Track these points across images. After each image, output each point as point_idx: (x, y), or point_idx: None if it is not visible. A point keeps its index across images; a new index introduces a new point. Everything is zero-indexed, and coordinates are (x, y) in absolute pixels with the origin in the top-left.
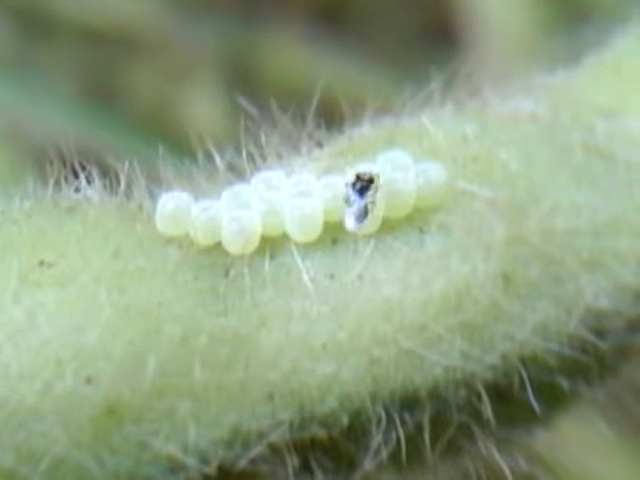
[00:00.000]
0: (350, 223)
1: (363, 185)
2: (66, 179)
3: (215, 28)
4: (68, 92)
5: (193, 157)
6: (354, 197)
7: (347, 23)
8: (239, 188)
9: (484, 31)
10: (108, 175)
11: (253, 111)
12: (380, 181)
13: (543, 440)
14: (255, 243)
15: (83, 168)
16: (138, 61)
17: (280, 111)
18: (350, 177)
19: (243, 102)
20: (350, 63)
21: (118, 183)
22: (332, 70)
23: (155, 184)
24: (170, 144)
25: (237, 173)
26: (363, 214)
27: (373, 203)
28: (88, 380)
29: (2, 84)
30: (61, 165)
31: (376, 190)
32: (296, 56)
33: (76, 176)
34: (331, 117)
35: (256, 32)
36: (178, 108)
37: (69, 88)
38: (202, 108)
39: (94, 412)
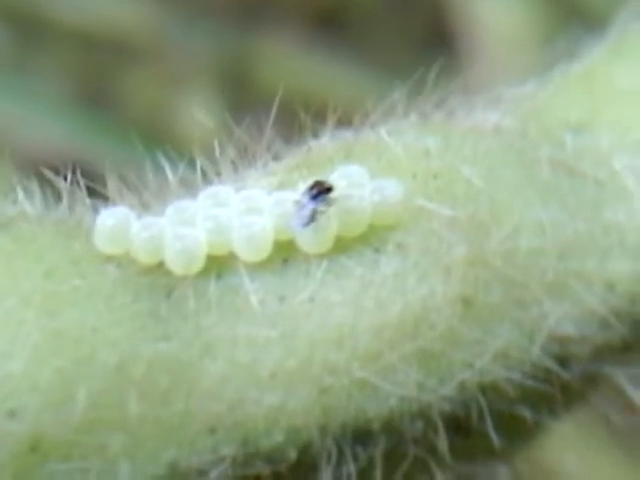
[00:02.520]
0: (293, 225)
1: (320, 191)
2: (3, 193)
3: (211, 34)
4: (62, 97)
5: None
6: (305, 200)
7: (343, 29)
8: (185, 204)
9: (480, 36)
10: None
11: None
12: (334, 196)
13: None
14: (200, 263)
15: (25, 180)
16: (133, 67)
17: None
18: (308, 183)
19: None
20: (346, 69)
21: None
22: (327, 76)
23: (102, 198)
24: (163, 150)
25: (189, 189)
26: (309, 219)
27: (322, 213)
28: (11, 413)
29: None
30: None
31: (329, 202)
32: (292, 62)
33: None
34: (291, 127)
35: (252, 39)
36: (172, 114)
37: (63, 93)
38: (196, 115)
39: (16, 448)
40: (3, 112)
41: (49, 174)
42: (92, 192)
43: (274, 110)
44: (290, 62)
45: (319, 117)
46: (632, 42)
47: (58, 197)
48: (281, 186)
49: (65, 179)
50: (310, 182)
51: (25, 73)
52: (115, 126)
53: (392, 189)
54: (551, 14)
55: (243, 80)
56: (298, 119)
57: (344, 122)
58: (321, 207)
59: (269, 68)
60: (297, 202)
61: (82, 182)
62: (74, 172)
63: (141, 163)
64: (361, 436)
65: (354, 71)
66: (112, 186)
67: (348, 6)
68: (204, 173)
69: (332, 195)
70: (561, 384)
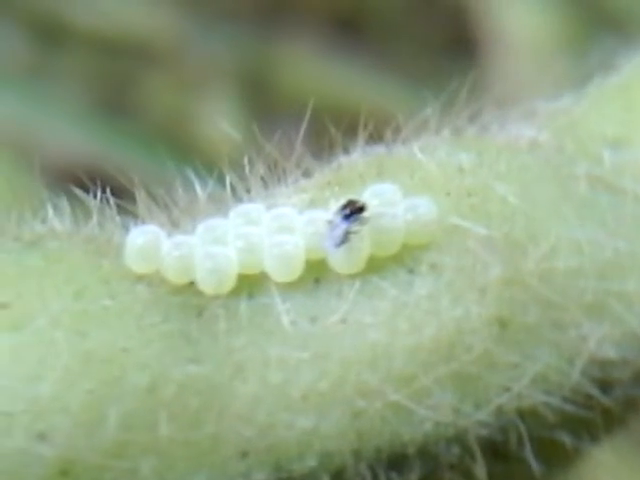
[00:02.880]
0: (326, 245)
1: (352, 210)
2: (34, 210)
3: (230, 39)
4: (82, 103)
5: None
6: (338, 220)
7: (364, 34)
8: (215, 222)
9: (502, 42)
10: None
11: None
12: (367, 216)
13: None
14: (231, 282)
15: (54, 197)
16: (153, 72)
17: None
18: (340, 202)
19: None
20: (366, 74)
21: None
22: (349, 81)
23: (131, 216)
24: (182, 156)
25: (219, 204)
26: (342, 239)
27: (355, 233)
28: (41, 436)
29: (16, 94)
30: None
31: (362, 222)
32: (311, 67)
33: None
34: (315, 135)
35: (271, 43)
36: (192, 119)
37: (83, 99)
38: (216, 119)
39: (46, 472)
40: (24, 118)
41: (78, 192)
42: (121, 208)
43: (303, 123)
44: (309, 66)
45: (340, 123)
46: None
47: (87, 212)
48: (312, 204)
49: (94, 196)
50: (342, 201)
51: (45, 79)
52: (135, 131)
53: (425, 207)
54: (577, 19)
55: (263, 84)
56: (321, 126)
57: (373, 133)
58: (354, 227)
59: (288, 72)
60: (329, 222)
61: (111, 199)
62: (103, 188)
63: (164, 170)
64: (396, 461)
65: (373, 75)
66: (141, 203)
67: (367, 10)
68: (233, 189)
69: (365, 214)
70: (602, 408)
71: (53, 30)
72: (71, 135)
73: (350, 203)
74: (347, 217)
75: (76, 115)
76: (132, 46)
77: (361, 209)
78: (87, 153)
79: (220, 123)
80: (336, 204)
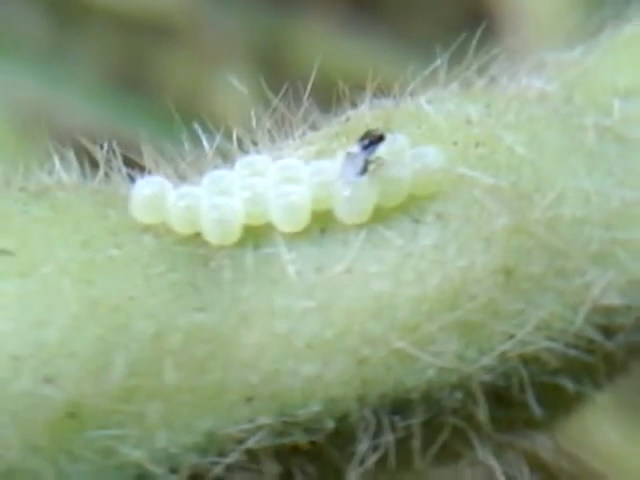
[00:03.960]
0: (347, 177)
1: (371, 140)
2: (42, 163)
3: (245, 16)
4: (98, 79)
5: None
6: (357, 151)
7: (379, 11)
8: (221, 173)
9: (519, 20)
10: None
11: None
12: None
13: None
14: (237, 233)
15: (61, 149)
16: (169, 48)
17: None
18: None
19: (264, 83)
20: (381, 49)
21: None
22: (364, 56)
23: (138, 169)
24: (199, 122)
25: (226, 159)
26: (362, 169)
27: (374, 163)
28: (48, 379)
29: (35, 71)
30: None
31: (388, 151)
32: (328, 44)
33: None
34: (329, 98)
35: (286, 20)
36: (208, 93)
37: (101, 74)
38: (232, 92)
39: (53, 415)
40: (42, 93)
41: (86, 143)
42: (128, 163)
43: (311, 80)
44: (325, 41)
45: (357, 89)
46: None
47: (94, 167)
48: (319, 155)
49: (101, 148)
50: (362, 132)
51: (63, 56)
52: (152, 104)
53: (433, 156)
54: None
55: (278, 59)
56: (335, 90)
57: (383, 92)
58: (373, 157)
59: (303, 48)
60: (348, 154)
61: (118, 152)
62: (110, 142)
63: (178, 136)
64: (399, 407)
65: (390, 51)
66: (148, 156)
67: None
68: (240, 143)
69: (385, 143)
70: (604, 354)
71: (70, 7)
72: (87, 111)
73: (369, 133)
74: (366, 147)
75: (93, 91)
76: (148, 23)
77: (380, 138)
78: (102, 124)
79: (231, 85)
80: (341, 156)
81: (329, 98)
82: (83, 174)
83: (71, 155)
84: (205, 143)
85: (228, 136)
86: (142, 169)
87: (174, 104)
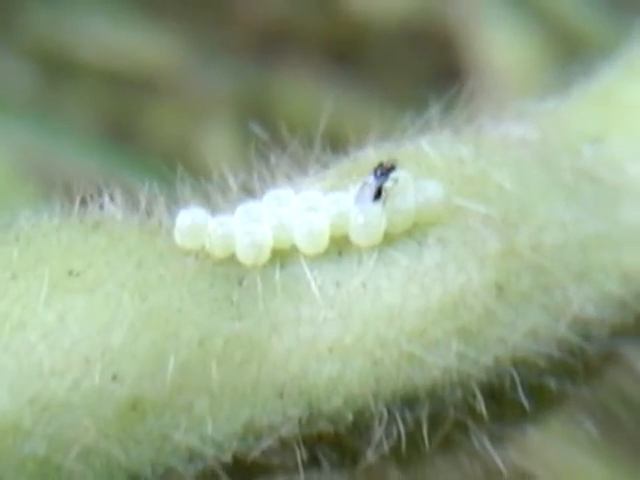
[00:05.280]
0: (362, 204)
1: (383, 171)
2: (91, 198)
3: (230, 69)
4: (90, 131)
5: (208, 180)
6: (372, 181)
7: (359, 65)
8: (252, 205)
9: (488, 71)
10: (129, 196)
11: (264, 137)
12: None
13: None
14: (266, 255)
15: (106, 188)
16: (156, 101)
17: (287, 140)
18: (373, 163)
19: (255, 128)
20: (361, 102)
21: (138, 203)
22: (344, 109)
23: (173, 203)
24: (188, 178)
25: (249, 192)
26: (374, 196)
27: (387, 192)
28: (114, 377)
29: (27, 124)
30: (84, 191)
31: (395, 180)
32: (310, 96)
33: (100, 196)
34: (337, 144)
35: (270, 72)
36: (195, 145)
37: (91, 127)
38: (218, 144)
39: (119, 407)
40: (34, 148)
41: (128, 182)
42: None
43: (322, 127)
44: (308, 95)
45: (332, 138)
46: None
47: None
48: (333, 189)
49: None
50: (375, 164)
51: (52, 111)
52: (141, 158)
53: (433, 190)
54: (552, 44)
55: (263, 112)
56: (320, 140)
57: (361, 139)
58: (387, 184)
59: (288, 101)
60: (364, 183)
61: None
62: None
63: (171, 184)
64: (409, 401)
65: (369, 103)
66: (183, 192)
67: (361, 43)
68: (262, 181)
69: (395, 174)
70: (583, 358)
71: (59, 63)
72: (81, 164)
73: (380, 165)
74: (379, 177)
75: (85, 144)
76: (137, 77)
77: (392, 167)
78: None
79: (223, 149)
80: (356, 186)
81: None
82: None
83: (117, 191)
84: (231, 180)
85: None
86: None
87: (163, 156)
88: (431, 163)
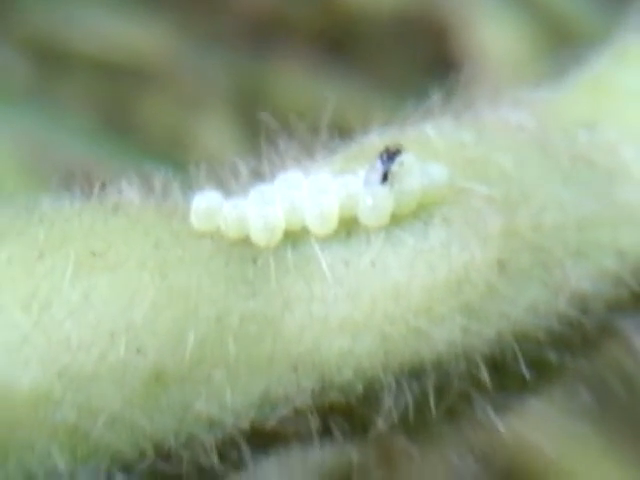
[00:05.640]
0: (367, 187)
1: (390, 155)
2: (109, 183)
3: (225, 58)
4: (85, 122)
5: (215, 168)
6: (378, 164)
7: (353, 54)
8: (264, 188)
9: (481, 60)
10: (145, 181)
11: (270, 126)
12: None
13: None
14: (279, 236)
15: (122, 175)
16: (151, 91)
17: (293, 127)
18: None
19: (261, 116)
20: (355, 92)
21: (153, 188)
22: (339, 97)
23: (187, 188)
24: (183, 166)
25: (259, 177)
26: (382, 179)
27: (394, 175)
28: (138, 350)
29: (22, 115)
30: (101, 177)
31: (402, 164)
32: (304, 85)
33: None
34: (337, 132)
35: (264, 62)
36: (190, 136)
37: (85, 118)
38: (213, 135)
39: (143, 378)
40: (29, 137)
41: (146, 168)
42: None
43: (327, 116)
44: (302, 85)
45: (335, 126)
46: (631, 51)
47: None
48: (341, 173)
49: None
50: (382, 148)
51: (47, 101)
52: (136, 148)
53: (437, 172)
54: (550, 39)
55: (257, 102)
56: (317, 130)
57: (365, 127)
58: (394, 167)
59: (281, 91)
60: (372, 167)
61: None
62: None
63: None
64: (415, 373)
65: (363, 93)
66: (197, 176)
67: (355, 32)
68: (271, 166)
69: (400, 157)
70: (581, 331)
71: (54, 54)
72: (75, 154)
73: (387, 149)
74: (385, 161)
75: (80, 134)
76: (131, 67)
77: (397, 152)
78: (93, 169)
79: (218, 139)
80: (364, 170)
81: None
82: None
83: (134, 176)
84: (242, 166)
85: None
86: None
87: (159, 144)
88: (434, 147)
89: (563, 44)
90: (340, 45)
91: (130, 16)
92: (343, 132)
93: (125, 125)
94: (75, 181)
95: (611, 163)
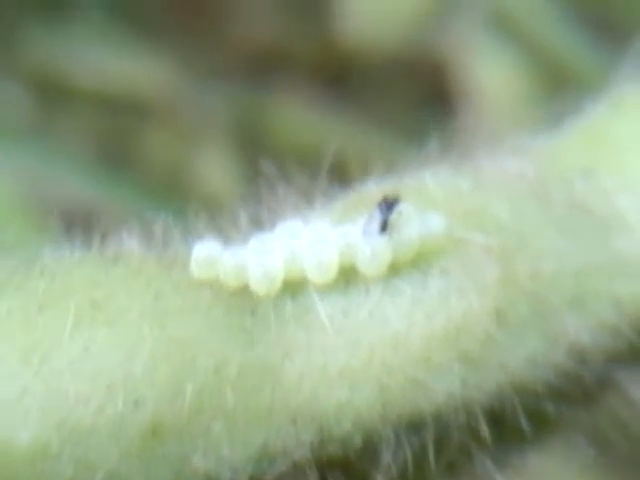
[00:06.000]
0: (369, 237)
1: (388, 204)
2: (109, 233)
3: (224, 93)
4: (85, 157)
5: (215, 214)
6: (377, 213)
7: (351, 89)
8: (264, 237)
9: (477, 99)
10: (146, 228)
11: (269, 172)
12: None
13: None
14: (278, 285)
15: (123, 223)
16: (151, 127)
17: (292, 172)
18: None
19: (261, 164)
20: (354, 127)
21: (153, 235)
22: (337, 133)
23: (186, 235)
24: (183, 205)
25: (258, 225)
26: (381, 228)
27: (392, 224)
28: (135, 403)
29: (23, 150)
30: (102, 224)
31: (400, 213)
32: (303, 120)
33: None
34: (339, 178)
35: (264, 97)
36: (190, 171)
37: (86, 153)
38: (213, 170)
39: (141, 431)
40: (30, 173)
41: (150, 215)
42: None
43: (328, 160)
44: (301, 119)
45: (333, 171)
46: (628, 100)
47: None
48: (340, 222)
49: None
50: (380, 197)
51: (49, 136)
52: (136, 183)
53: (435, 222)
54: (544, 81)
55: (257, 136)
56: (317, 167)
57: (363, 174)
58: (392, 217)
59: (282, 125)
60: (370, 217)
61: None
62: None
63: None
64: (414, 426)
65: (361, 128)
66: (197, 224)
67: (354, 67)
68: (271, 214)
69: (399, 207)
70: (580, 385)
71: (56, 88)
72: (78, 189)
73: (385, 198)
74: (384, 211)
75: (81, 169)
76: (132, 102)
77: (396, 201)
78: (94, 205)
79: (218, 174)
80: (363, 219)
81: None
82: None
83: (135, 226)
84: (241, 213)
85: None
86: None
87: (158, 180)
88: (432, 196)
89: (560, 84)
90: (339, 80)
91: (130, 52)
92: (342, 171)
93: (125, 160)
94: (75, 223)
95: (607, 212)
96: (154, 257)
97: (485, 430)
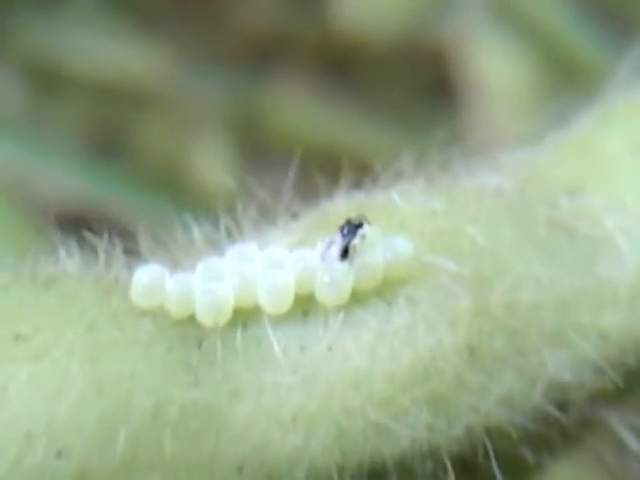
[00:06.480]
0: (329, 263)
1: (351, 228)
2: (46, 252)
3: (223, 83)
4: (78, 147)
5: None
6: (339, 239)
7: (352, 78)
8: (213, 261)
9: (480, 88)
10: (94, 242)
11: (235, 184)
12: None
13: None
14: (227, 315)
15: (64, 240)
16: (147, 116)
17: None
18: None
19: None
20: (354, 117)
21: (97, 255)
22: (336, 123)
23: (135, 255)
24: (177, 197)
25: (214, 246)
26: (342, 254)
27: (354, 249)
28: (59, 453)
29: (13, 140)
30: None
31: (361, 237)
32: (302, 107)
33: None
34: (309, 188)
35: (263, 86)
36: (186, 161)
37: (79, 143)
38: (209, 162)
39: None
40: (21, 164)
41: (87, 235)
42: (125, 248)
43: (291, 172)
44: (299, 108)
45: (324, 170)
46: (618, 112)
47: (94, 252)
48: (300, 244)
49: (101, 237)
50: (341, 222)
51: (42, 124)
52: (131, 173)
53: (402, 246)
54: (548, 70)
55: (255, 126)
56: (307, 171)
57: (354, 180)
58: (355, 241)
59: (279, 114)
60: (330, 242)
61: (117, 240)
62: (109, 230)
63: (160, 212)
64: (376, 474)
65: (361, 117)
66: (144, 244)
67: (355, 57)
68: (228, 231)
69: (362, 231)
70: (560, 427)
71: (49, 76)
72: (69, 181)
73: (348, 222)
74: (345, 235)
75: (73, 160)
76: (127, 91)
77: (358, 226)
78: (85, 197)
79: (214, 165)
80: (322, 243)
81: (304, 175)
82: (84, 260)
83: (74, 245)
84: (195, 231)
85: (215, 221)
86: (138, 254)
87: (153, 170)
88: (402, 216)
89: (565, 74)
90: (339, 67)
91: (126, 39)
92: (312, 185)
93: (121, 149)
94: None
95: (594, 234)
96: (92, 281)
97: (453, 479)
